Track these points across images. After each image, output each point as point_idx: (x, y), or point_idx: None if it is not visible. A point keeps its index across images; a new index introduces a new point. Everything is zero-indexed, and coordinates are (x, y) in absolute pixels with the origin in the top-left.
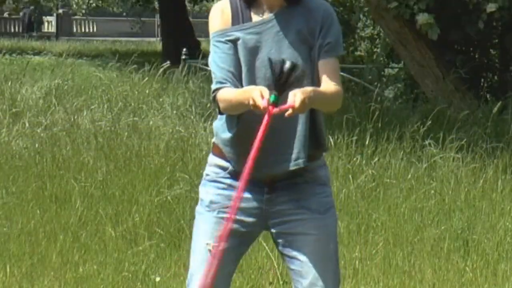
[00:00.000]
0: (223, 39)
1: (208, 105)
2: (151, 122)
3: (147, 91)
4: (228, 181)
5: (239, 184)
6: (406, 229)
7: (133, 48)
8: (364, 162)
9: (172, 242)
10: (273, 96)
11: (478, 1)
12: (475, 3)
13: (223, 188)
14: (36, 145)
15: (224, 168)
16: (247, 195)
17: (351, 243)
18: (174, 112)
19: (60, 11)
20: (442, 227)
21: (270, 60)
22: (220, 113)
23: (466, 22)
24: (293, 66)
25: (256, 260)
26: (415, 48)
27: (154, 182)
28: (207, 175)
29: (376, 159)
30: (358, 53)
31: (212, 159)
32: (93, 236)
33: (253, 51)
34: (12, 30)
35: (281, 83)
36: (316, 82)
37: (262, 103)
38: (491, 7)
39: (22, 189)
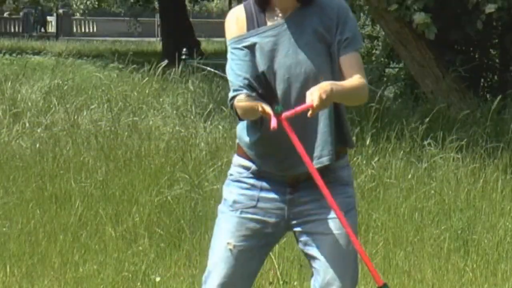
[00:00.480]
0: (239, 46)
1: (208, 105)
2: (151, 122)
3: (147, 91)
4: (251, 181)
5: (263, 184)
6: (406, 229)
7: (133, 48)
8: (364, 162)
9: (172, 242)
10: (278, 107)
11: (477, 1)
12: (474, 4)
13: (246, 188)
14: (37, 145)
15: (247, 168)
16: (269, 195)
17: None
18: (174, 112)
19: (60, 11)
20: (442, 227)
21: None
22: (240, 119)
23: (466, 22)
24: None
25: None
26: (415, 48)
27: (154, 182)
28: (231, 175)
29: (376, 159)
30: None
31: (236, 159)
32: (93, 236)
33: (271, 54)
34: (12, 30)
35: (267, 94)
36: (340, 78)
37: (270, 110)
38: (490, 8)
39: (22, 189)
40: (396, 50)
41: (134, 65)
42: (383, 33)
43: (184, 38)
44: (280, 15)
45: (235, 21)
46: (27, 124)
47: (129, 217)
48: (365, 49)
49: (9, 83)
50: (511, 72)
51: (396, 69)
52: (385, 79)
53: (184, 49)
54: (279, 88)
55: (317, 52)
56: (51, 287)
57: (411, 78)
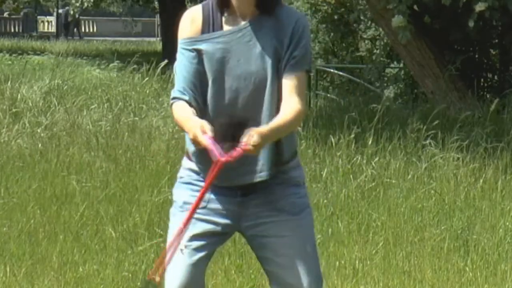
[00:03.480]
0: (189, 47)
1: None
2: (151, 122)
3: (147, 91)
4: (202, 183)
5: (214, 186)
6: (406, 229)
7: (133, 48)
8: (364, 162)
9: None
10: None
11: (467, 0)
12: (464, 2)
13: (197, 190)
14: (39, 144)
15: (197, 172)
16: (220, 197)
17: (351, 243)
18: None
19: (60, 11)
20: (442, 227)
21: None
22: None
23: (465, 22)
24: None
25: (256, 260)
26: (415, 48)
27: (154, 182)
28: (181, 177)
29: (376, 159)
30: (359, 53)
31: (186, 162)
32: (93, 236)
33: (221, 61)
34: (12, 30)
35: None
36: (278, 97)
37: (203, 140)
38: (480, 6)
39: (22, 189)
40: (396, 50)
41: (134, 65)
42: (383, 33)
43: None
44: (239, 19)
45: (190, 22)
46: (27, 124)
47: (129, 217)
48: (367, 49)
49: (9, 83)
50: (511, 72)
51: (396, 69)
52: (385, 79)
53: None
54: (227, 97)
55: (268, 64)
56: (51, 287)
57: (411, 78)
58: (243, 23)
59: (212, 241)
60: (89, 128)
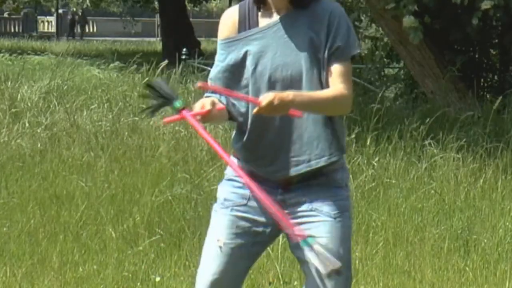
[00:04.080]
0: (224, 50)
1: None
2: (151, 122)
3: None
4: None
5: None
6: (406, 229)
7: (133, 48)
8: (364, 162)
9: (172, 242)
10: (177, 102)
11: None
12: (470, 0)
13: (238, 187)
14: (39, 145)
15: (240, 168)
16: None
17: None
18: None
19: (60, 11)
20: (442, 227)
21: None
22: None
23: (465, 21)
24: None
25: (256, 260)
26: (415, 48)
27: (155, 182)
28: (226, 174)
29: (377, 159)
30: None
31: (232, 159)
32: (93, 236)
33: (258, 56)
34: (12, 30)
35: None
36: (325, 86)
37: (181, 105)
38: (486, 4)
39: (22, 189)
40: (396, 50)
41: (134, 65)
42: (383, 32)
43: (184, 38)
44: (274, 14)
45: (226, 22)
46: (27, 124)
47: (129, 217)
48: (366, 50)
49: (9, 83)
50: (511, 72)
51: (396, 69)
52: (385, 79)
53: (184, 49)
54: (264, 90)
55: (305, 56)
56: (51, 287)
57: (411, 78)
58: (277, 17)
59: (252, 242)
60: (89, 128)
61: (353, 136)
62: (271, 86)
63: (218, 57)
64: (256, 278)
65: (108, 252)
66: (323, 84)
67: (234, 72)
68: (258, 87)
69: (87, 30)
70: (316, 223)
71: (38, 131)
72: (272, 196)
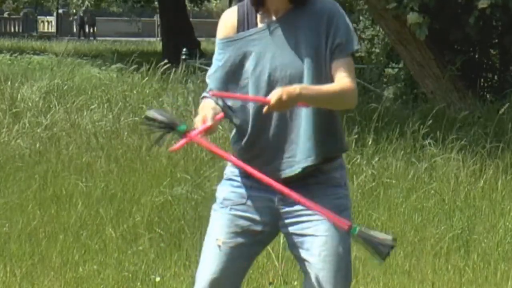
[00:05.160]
0: (222, 50)
1: None
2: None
3: (147, 91)
4: (242, 179)
5: (254, 183)
6: (406, 229)
7: (133, 48)
8: (364, 162)
9: (172, 242)
10: (181, 127)
11: None
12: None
13: (237, 186)
14: (37, 145)
15: (238, 167)
16: (259, 194)
17: (351, 243)
18: (174, 112)
19: (60, 11)
20: (442, 227)
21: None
22: None
23: (465, 21)
24: None
25: (256, 260)
26: (415, 48)
27: (155, 182)
28: (225, 174)
29: (377, 159)
30: (358, 53)
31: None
32: (93, 236)
33: (257, 57)
34: (12, 30)
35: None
36: (329, 83)
37: (184, 128)
38: (482, 3)
39: (22, 189)
40: (396, 50)
41: (134, 65)
42: (383, 33)
43: (184, 38)
44: (272, 15)
45: (225, 22)
46: (27, 124)
47: (129, 217)
48: (365, 50)
49: (9, 83)
50: (511, 72)
51: (396, 69)
52: (385, 79)
53: (184, 49)
54: (263, 90)
55: (304, 55)
56: (51, 287)
57: (411, 78)
58: (276, 18)
59: (251, 241)
60: (89, 128)
61: (353, 136)
62: (271, 86)
63: (216, 57)
64: (256, 278)
65: (108, 252)
66: (321, 83)
67: (233, 72)
68: (258, 87)
69: (86, 30)
70: (315, 222)
71: (38, 131)
72: (271, 194)
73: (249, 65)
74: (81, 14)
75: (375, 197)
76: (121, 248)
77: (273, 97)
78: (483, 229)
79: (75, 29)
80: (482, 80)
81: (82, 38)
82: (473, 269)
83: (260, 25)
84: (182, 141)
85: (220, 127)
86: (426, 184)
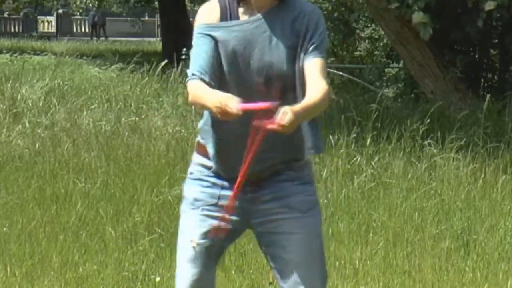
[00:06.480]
0: (205, 32)
1: None
2: (151, 122)
3: (147, 91)
4: (212, 179)
5: (224, 183)
6: (406, 229)
7: (133, 48)
8: (364, 162)
9: (172, 242)
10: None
11: (477, 0)
12: (474, 2)
13: (207, 186)
14: (37, 145)
15: (208, 168)
16: (231, 193)
17: (351, 243)
18: (174, 112)
19: (60, 11)
20: (442, 227)
21: None
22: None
23: (466, 21)
24: None
25: (256, 260)
26: (415, 48)
27: (154, 182)
28: (191, 173)
29: (376, 159)
30: (358, 53)
31: (197, 158)
32: (93, 236)
33: (235, 50)
34: (12, 30)
35: None
36: (302, 83)
37: (236, 107)
38: (489, 5)
39: (22, 189)
40: (396, 50)
41: (134, 65)
42: (383, 33)
43: (184, 38)
44: (254, 12)
45: (208, 12)
46: (27, 124)
47: (129, 217)
48: (366, 50)
49: (9, 83)
50: (511, 72)
51: (396, 69)
52: (385, 79)
53: (184, 49)
54: (241, 87)
55: (285, 53)
56: (51, 287)
57: (411, 78)
58: (259, 14)
59: (224, 238)
60: (89, 128)
61: (352, 136)
62: (250, 83)
63: (196, 40)
64: (256, 278)
65: (108, 252)
66: (302, 81)
67: (214, 57)
68: (238, 81)
69: (87, 30)
70: (289, 220)
71: (38, 131)
72: (242, 193)
73: (227, 56)
74: (93, 14)
75: (375, 197)
76: (121, 248)
77: (287, 121)
78: (483, 229)
79: (87, 30)
80: (482, 80)
81: (95, 38)
82: (473, 269)
83: (242, 18)
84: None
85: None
86: (426, 184)
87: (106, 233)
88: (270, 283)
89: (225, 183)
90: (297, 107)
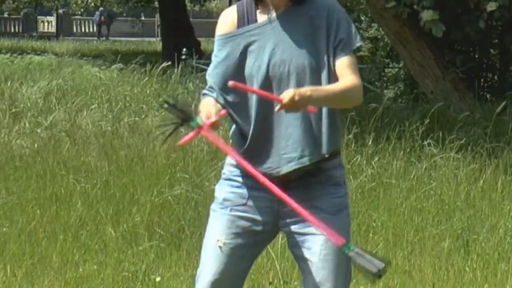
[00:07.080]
0: (221, 46)
1: None
2: (151, 122)
3: (147, 91)
4: (242, 179)
5: (254, 183)
6: (406, 229)
7: (133, 48)
8: (364, 162)
9: (172, 242)
10: (194, 122)
11: (478, 0)
12: (476, 2)
13: (237, 186)
14: (36, 145)
15: (238, 167)
16: (259, 194)
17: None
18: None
19: (60, 11)
20: (442, 227)
21: None
22: None
23: (466, 21)
24: None
25: (256, 260)
26: (415, 48)
27: (154, 182)
28: (223, 174)
29: (376, 159)
30: (361, 53)
31: (229, 158)
32: (93, 236)
33: (257, 52)
34: (12, 30)
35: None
36: (333, 79)
37: (201, 122)
38: (491, 6)
39: (22, 189)
40: (396, 50)
41: (134, 65)
42: (383, 32)
43: (184, 38)
44: (272, 12)
45: (226, 20)
46: (27, 124)
47: (129, 217)
48: (367, 50)
49: (9, 83)
50: (511, 72)
51: (396, 69)
52: (385, 79)
53: (184, 49)
54: (261, 86)
55: (304, 51)
56: (51, 287)
57: (411, 78)
58: (276, 14)
59: (252, 241)
60: (89, 128)
61: (352, 136)
62: (269, 81)
63: (215, 53)
64: (256, 278)
65: (108, 252)
66: (328, 78)
67: (232, 68)
68: (257, 82)
69: (83, 30)
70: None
71: (38, 131)
72: (271, 194)
73: (248, 60)
74: (100, 13)
75: (375, 197)
76: (121, 248)
77: (285, 96)
78: (483, 229)
79: (74, 29)
80: (482, 80)
81: (103, 38)
82: (473, 269)
83: (259, 21)
84: (191, 134)
85: (221, 127)
86: (426, 184)
87: (106, 233)
88: (270, 283)
89: (255, 183)
90: (312, 87)
